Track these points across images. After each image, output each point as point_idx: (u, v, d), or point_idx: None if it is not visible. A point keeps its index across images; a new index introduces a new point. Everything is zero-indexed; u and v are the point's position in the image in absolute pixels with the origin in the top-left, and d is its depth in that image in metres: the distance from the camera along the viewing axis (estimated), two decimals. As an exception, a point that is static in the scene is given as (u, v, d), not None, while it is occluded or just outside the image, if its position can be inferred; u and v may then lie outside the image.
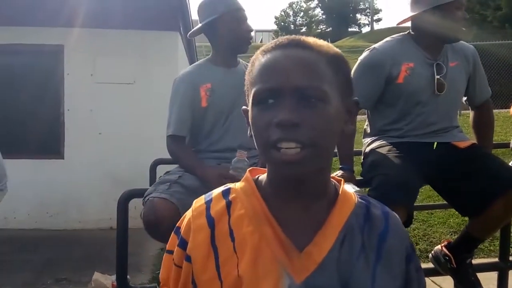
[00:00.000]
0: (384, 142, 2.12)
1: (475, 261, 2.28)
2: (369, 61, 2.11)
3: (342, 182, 0.86)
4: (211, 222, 0.80)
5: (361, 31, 40.59)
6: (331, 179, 0.84)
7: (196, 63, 2.33)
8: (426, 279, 3.10)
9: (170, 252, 0.84)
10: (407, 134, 2.10)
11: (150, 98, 4.76)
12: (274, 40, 0.80)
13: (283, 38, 0.79)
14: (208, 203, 0.83)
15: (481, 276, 2.14)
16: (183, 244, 0.81)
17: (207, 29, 2.20)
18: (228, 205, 0.81)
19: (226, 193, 0.84)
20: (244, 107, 0.84)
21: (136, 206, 2.04)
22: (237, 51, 2.22)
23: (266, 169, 0.84)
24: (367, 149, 2.19)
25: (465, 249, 2.11)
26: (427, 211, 4.68)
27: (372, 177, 1.93)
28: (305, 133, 0.72)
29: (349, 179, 2.03)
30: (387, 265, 0.79)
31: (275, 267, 0.75)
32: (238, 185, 0.85)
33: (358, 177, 2.17)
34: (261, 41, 36.70)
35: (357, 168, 2.34)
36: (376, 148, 2.11)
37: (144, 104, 4.81)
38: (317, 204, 0.80)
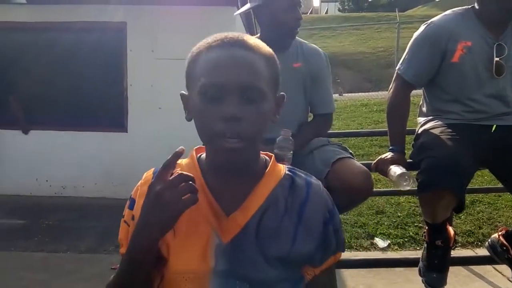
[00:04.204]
0: (439, 123, 2.00)
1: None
2: (424, 36, 1.99)
3: (272, 158, 0.99)
4: None
5: (435, -1, 38.20)
6: (262, 156, 0.98)
7: None
8: (488, 267, 3.04)
9: (124, 216, 0.98)
10: (464, 117, 1.97)
11: (208, 73, 4.81)
12: (217, 37, 0.88)
13: (227, 37, 0.87)
14: (155, 173, 0.94)
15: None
16: (132, 205, 0.95)
17: (252, 13, 2.14)
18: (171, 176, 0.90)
19: None
20: (182, 92, 0.95)
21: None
22: (280, 41, 2.01)
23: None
24: (420, 130, 2.08)
25: (523, 239, 1.97)
26: (494, 194, 4.42)
27: (421, 160, 1.84)
28: (246, 127, 0.83)
29: (399, 161, 1.95)
30: (306, 227, 0.92)
31: (207, 228, 0.89)
32: (184, 161, 0.98)
33: (410, 160, 2.07)
34: (326, 12, 35.68)
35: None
36: (430, 129, 2.00)
37: (202, 79, 4.88)
38: (247, 178, 0.93)
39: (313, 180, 0.98)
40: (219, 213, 0.90)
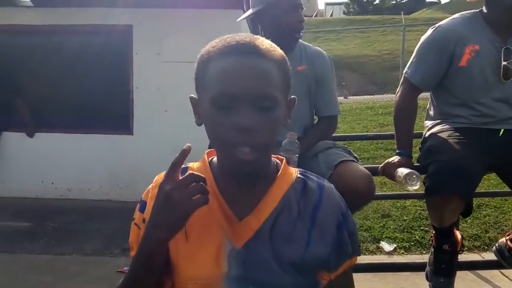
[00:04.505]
0: (447, 126, 1.99)
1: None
2: (432, 40, 1.98)
3: (283, 161, 0.98)
4: None
5: (440, 1, 38.11)
6: (273, 159, 0.97)
7: None
8: (495, 271, 3.01)
9: (134, 219, 0.97)
10: (471, 121, 1.96)
11: (213, 76, 4.81)
12: (228, 41, 0.86)
13: (239, 42, 0.85)
14: None
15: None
16: (142, 208, 0.95)
17: (255, 18, 2.13)
18: None
19: (184, 170, 0.91)
20: (192, 95, 0.94)
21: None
22: (283, 43, 2.04)
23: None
24: (427, 134, 2.08)
25: (532, 243, 1.96)
26: (501, 197, 4.40)
27: (428, 164, 1.83)
28: (260, 138, 0.83)
29: (406, 165, 1.94)
30: (320, 231, 0.91)
31: (219, 233, 0.88)
32: (195, 164, 0.98)
33: (417, 164, 2.06)
34: (331, 15, 35.66)
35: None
36: (437, 132, 1.99)
37: (208, 82, 4.88)
38: (259, 182, 0.92)
39: (325, 183, 0.97)
40: (232, 218, 0.89)
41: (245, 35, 0.87)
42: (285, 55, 0.91)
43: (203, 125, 0.91)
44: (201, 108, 0.89)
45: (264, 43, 0.87)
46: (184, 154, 0.83)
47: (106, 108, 5.25)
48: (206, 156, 0.98)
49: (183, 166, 0.92)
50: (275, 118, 0.85)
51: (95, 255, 3.70)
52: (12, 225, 4.40)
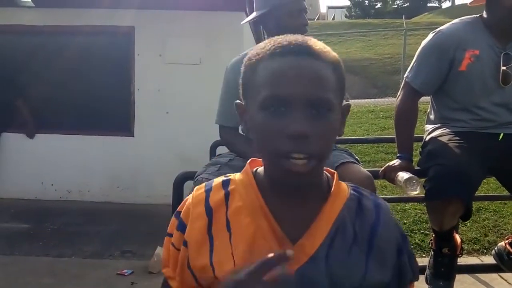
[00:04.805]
0: (447, 130, 2.00)
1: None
2: (432, 44, 2.00)
3: (335, 175, 0.88)
4: (209, 212, 0.83)
5: (441, 6, 38.19)
6: (324, 172, 0.87)
7: (246, 51, 2.26)
8: (494, 275, 3.01)
9: (170, 235, 0.88)
10: (471, 125, 1.97)
11: (215, 79, 4.74)
12: (280, 42, 0.79)
13: (291, 43, 0.78)
14: (207, 192, 0.86)
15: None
16: (182, 227, 0.85)
17: (259, 21, 2.13)
18: (227, 196, 0.84)
19: (225, 183, 0.86)
20: (237, 101, 0.86)
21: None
22: None
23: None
24: (428, 137, 2.09)
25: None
26: (500, 201, 4.40)
27: (428, 168, 1.84)
28: (314, 145, 0.74)
29: (406, 168, 1.96)
30: (379, 256, 0.82)
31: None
32: (237, 176, 0.88)
33: (417, 168, 2.07)
34: (333, 19, 35.71)
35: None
36: (437, 136, 2.00)
37: (210, 85, 4.86)
38: (311, 198, 0.83)
39: (381, 201, 0.88)
40: (284, 241, 0.79)
41: (296, 36, 0.81)
42: (339, 58, 0.84)
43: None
44: (249, 114, 0.82)
45: (318, 44, 0.80)
46: (283, 259, 0.67)
47: (107, 110, 5.25)
48: (248, 166, 0.88)
49: (224, 177, 0.88)
50: (331, 125, 0.78)
51: (94, 257, 3.68)
52: (11, 226, 4.38)
